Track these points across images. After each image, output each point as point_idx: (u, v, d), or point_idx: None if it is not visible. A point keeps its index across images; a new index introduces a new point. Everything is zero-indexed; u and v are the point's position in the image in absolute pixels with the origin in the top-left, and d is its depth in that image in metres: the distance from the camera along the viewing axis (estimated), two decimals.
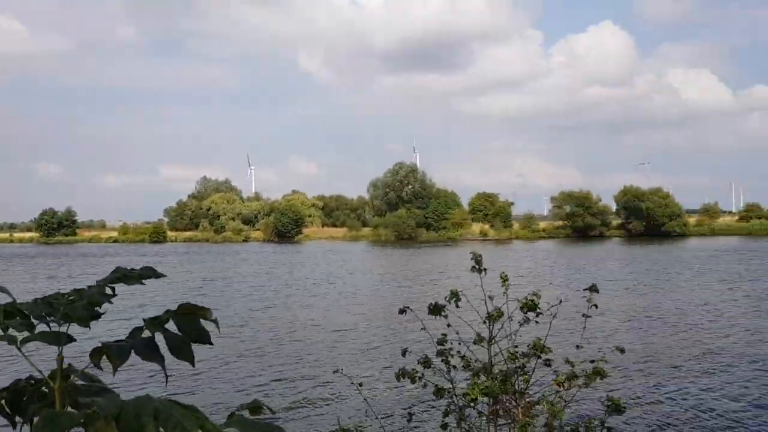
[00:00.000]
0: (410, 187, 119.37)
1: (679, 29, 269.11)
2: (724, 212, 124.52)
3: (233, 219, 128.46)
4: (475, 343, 4.35)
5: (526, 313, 4.14)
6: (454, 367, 4.40)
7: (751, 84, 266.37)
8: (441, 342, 4.38)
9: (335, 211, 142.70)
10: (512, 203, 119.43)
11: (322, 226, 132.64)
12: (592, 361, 4.20)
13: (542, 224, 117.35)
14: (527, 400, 4.07)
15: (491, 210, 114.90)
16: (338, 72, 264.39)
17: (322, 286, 38.80)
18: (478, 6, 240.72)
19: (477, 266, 4.37)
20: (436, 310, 4.27)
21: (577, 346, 4.39)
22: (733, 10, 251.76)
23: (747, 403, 13.64)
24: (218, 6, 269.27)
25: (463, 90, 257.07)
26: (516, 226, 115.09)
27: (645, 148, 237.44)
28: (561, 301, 4.48)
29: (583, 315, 4.42)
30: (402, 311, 4.58)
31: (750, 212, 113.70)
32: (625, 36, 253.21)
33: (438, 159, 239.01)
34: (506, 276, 4.43)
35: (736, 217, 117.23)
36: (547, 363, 4.41)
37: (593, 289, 4.43)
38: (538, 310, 4.14)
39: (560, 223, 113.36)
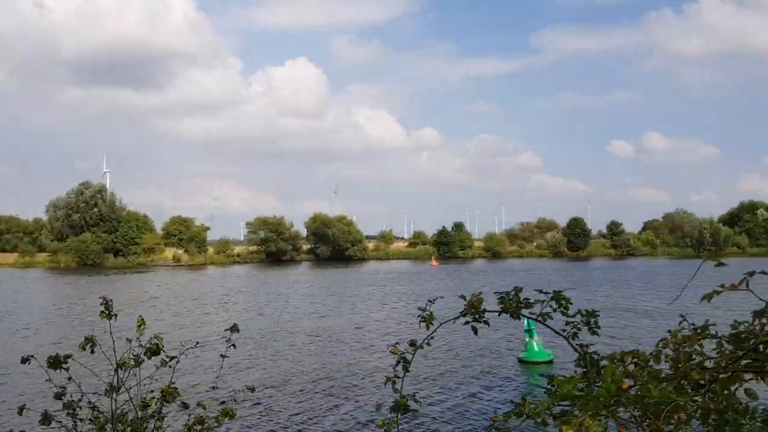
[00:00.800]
0: (97, 209, 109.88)
1: (365, 72, 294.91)
2: (399, 238, 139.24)
3: None
4: (106, 393, 4.12)
5: (150, 357, 4.06)
6: (81, 420, 4.12)
7: (421, 126, 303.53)
8: (59, 396, 4.06)
9: (5, 235, 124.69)
10: (208, 228, 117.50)
11: None
12: (222, 402, 4.29)
13: (237, 249, 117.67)
14: None
15: (186, 235, 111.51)
16: (15, 78, 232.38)
17: None
18: (179, 26, 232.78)
19: (106, 312, 4.16)
20: (56, 363, 3.95)
21: (213, 387, 4.45)
22: (408, 60, 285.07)
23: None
24: None
25: (161, 110, 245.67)
26: (211, 251, 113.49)
27: (334, 178, 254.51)
28: (198, 343, 4.49)
29: (222, 356, 4.49)
30: (25, 360, 4.14)
31: (417, 239, 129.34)
32: (319, 73, 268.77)
33: (133, 180, 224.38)
34: (142, 320, 4.30)
35: (407, 243, 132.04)
36: (185, 405, 4.38)
37: (234, 329, 4.53)
38: (163, 352, 4.09)
39: (254, 248, 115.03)
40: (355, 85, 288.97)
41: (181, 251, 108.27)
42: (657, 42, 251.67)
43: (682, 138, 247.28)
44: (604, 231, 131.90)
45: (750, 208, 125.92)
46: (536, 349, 21.15)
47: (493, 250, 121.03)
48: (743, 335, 2.04)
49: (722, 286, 2.01)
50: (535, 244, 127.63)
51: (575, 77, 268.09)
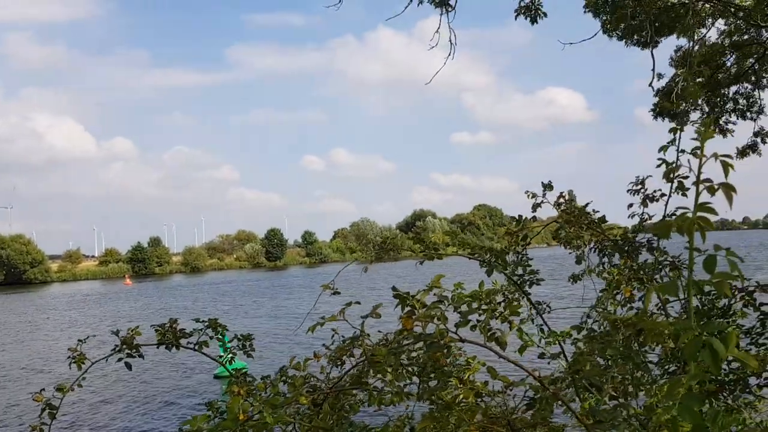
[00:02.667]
0: None
1: (47, 76, 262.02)
2: (88, 257, 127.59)
3: None
4: None
5: None
6: None
7: (113, 136, 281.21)
8: None
9: None
10: None
11: None
12: None
13: None
14: None
15: None
16: None
17: None
18: None
19: None
20: None
21: None
22: (98, 66, 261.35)
23: None
24: None
25: None
26: None
27: (9, 193, 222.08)
28: None
29: None
30: None
31: (109, 256, 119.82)
32: None
33: None
34: None
35: (97, 262, 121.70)
36: None
37: None
38: None
39: None
40: (33, 89, 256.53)
41: None
42: (341, 65, 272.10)
43: (365, 154, 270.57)
44: (300, 240, 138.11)
45: (420, 216, 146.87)
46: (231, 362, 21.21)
47: (192, 265, 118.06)
48: (343, 356, 2.40)
49: (323, 318, 2.35)
50: (234, 256, 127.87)
51: (270, 94, 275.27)
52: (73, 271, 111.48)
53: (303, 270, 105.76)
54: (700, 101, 15.76)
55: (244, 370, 16.17)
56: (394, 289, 2.21)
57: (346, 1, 10.78)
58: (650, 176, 3.91)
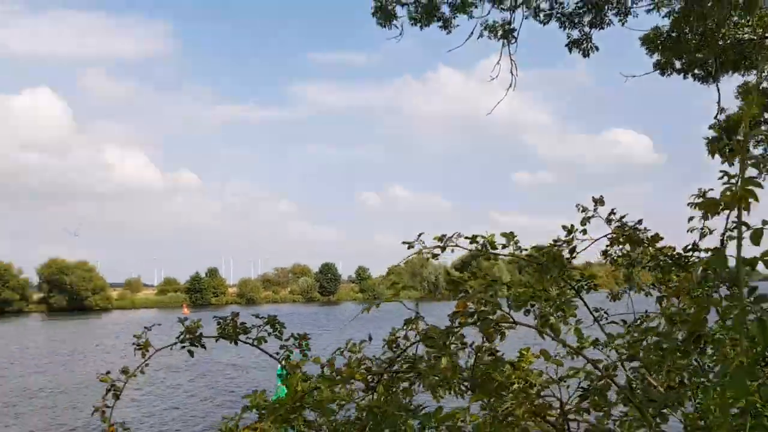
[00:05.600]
0: None
1: (119, 109, 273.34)
2: (148, 285, 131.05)
3: None
4: None
5: None
6: None
7: (177, 168, 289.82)
8: None
9: None
10: None
11: None
12: None
13: None
14: None
15: None
16: None
17: None
18: None
19: None
20: None
21: None
22: (166, 100, 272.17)
23: None
24: None
25: None
26: None
27: (77, 220, 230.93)
28: None
29: None
30: None
31: (168, 286, 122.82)
32: (65, 106, 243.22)
33: None
34: None
35: (156, 291, 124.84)
36: None
37: None
38: None
39: None
40: (105, 122, 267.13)
41: None
42: (399, 103, 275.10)
43: (422, 191, 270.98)
44: (353, 276, 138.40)
45: (476, 255, 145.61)
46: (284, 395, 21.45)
47: (247, 296, 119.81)
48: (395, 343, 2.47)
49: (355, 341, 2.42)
50: (288, 289, 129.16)
51: (329, 130, 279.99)
52: (133, 299, 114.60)
53: (357, 306, 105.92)
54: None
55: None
56: (446, 274, 2.29)
57: (406, 41, 11.09)
58: (712, 189, 3.85)
